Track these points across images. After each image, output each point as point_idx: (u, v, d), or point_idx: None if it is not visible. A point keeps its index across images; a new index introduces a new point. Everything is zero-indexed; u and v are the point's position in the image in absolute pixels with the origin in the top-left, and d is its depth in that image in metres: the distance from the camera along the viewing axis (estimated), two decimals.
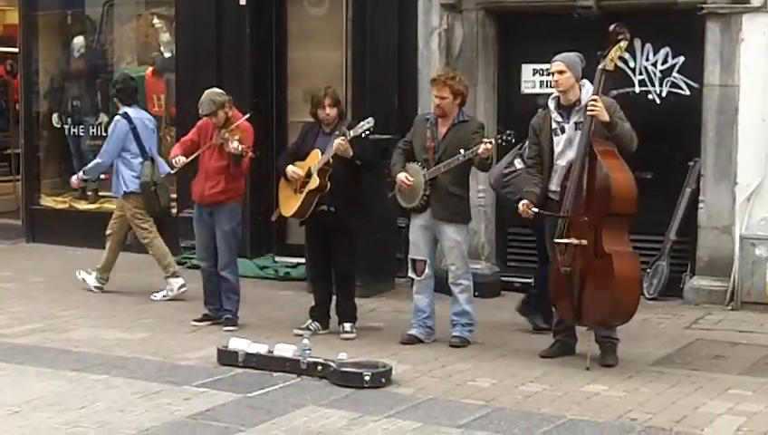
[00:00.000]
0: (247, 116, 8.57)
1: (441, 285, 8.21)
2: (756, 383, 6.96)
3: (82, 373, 7.16)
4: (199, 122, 8.62)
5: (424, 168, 7.92)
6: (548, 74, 7.69)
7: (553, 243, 7.34)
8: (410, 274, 8.15)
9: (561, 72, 7.32)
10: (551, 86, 7.68)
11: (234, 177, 8.47)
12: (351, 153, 7.96)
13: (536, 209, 7.33)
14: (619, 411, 6.35)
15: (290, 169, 8.25)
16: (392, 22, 10.37)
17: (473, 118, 8.26)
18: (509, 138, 7.68)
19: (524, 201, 7.39)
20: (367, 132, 7.99)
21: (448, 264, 8.01)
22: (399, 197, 8.10)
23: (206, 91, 8.51)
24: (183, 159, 8.52)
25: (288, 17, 11.26)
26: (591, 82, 7.36)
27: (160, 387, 6.82)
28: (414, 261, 8.07)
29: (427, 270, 8.02)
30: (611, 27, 7.36)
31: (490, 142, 7.59)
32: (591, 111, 7.12)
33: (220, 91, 8.53)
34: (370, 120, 8.02)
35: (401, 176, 7.95)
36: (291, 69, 11.27)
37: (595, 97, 7.15)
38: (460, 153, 7.71)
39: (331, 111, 8.21)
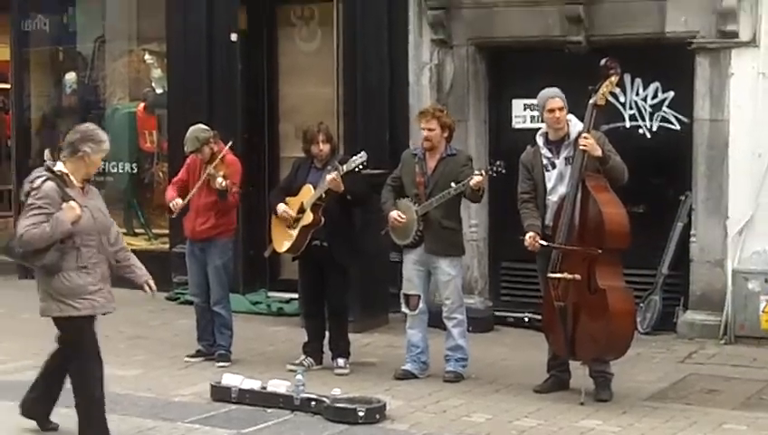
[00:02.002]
0: (229, 144, 8.55)
1: (434, 320, 8.21)
2: (750, 418, 6.96)
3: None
4: (188, 160, 8.66)
5: (415, 203, 7.94)
6: (537, 109, 7.72)
7: (547, 277, 7.36)
8: (403, 309, 8.15)
9: (561, 109, 7.37)
10: (541, 121, 7.72)
11: (223, 212, 8.48)
12: (342, 187, 7.98)
13: (544, 242, 7.31)
14: None
15: (281, 207, 8.26)
16: (383, 57, 10.42)
17: (461, 151, 8.30)
18: (499, 168, 7.71)
19: (531, 233, 7.37)
20: (360, 167, 8.01)
21: (443, 298, 8.01)
22: (393, 234, 8.12)
23: (190, 128, 8.55)
24: (180, 202, 8.52)
25: (279, 53, 11.33)
26: (579, 116, 7.42)
27: (154, 423, 6.79)
28: (407, 296, 8.07)
29: (420, 305, 8.02)
30: (603, 62, 7.41)
31: (481, 174, 7.62)
32: (583, 146, 7.16)
33: (204, 127, 8.56)
34: (363, 154, 8.04)
35: (393, 214, 7.96)
36: (282, 104, 11.33)
37: (586, 134, 7.19)
38: (451, 186, 7.73)
39: (325, 147, 8.25)
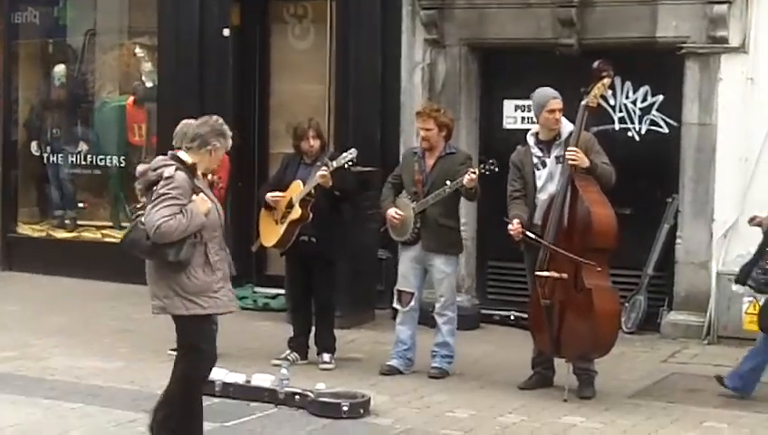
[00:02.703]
0: None
1: (422, 318, 8.23)
2: (731, 416, 6.99)
3: (57, 401, 7.09)
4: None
5: (413, 201, 7.96)
6: (533, 108, 7.75)
7: (534, 275, 7.38)
8: (395, 304, 8.16)
9: (560, 110, 7.40)
10: (535, 121, 7.75)
11: None
12: (331, 183, 7.99)
13: (530, 234, 7.31)
14: None
15: (270, 194, 8.26)
16: (375, 56, 10.44)
17: (460, 150, 8.32)
18: (492, 166, 7.75)
19: (516, 220, 7.38)
20: (349, 163, 8.03)
21: (437, 295, 8.03)
22: (391, 231, 8.15)
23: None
24: None
25: (272, 49, 11.32)
26: (569, 118, 7.45)
27: (136, 416, 6.73)
28: (400, 292, 8.08)
29: (412, 302, 8.03)
30: (595, 64, 7.44)
31: (474, 172, 7.64)
32: (572, 161, 7.17)
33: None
34: (353, 151, 8.06)
35: (390, 211, 7.99)
36: (273, 100, 11.32)
37: (574, 148, 7.20)
38: (446, 184, 7.76)
39: (315, 143, 8.26)
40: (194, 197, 5.67)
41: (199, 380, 5.97)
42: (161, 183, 5.62)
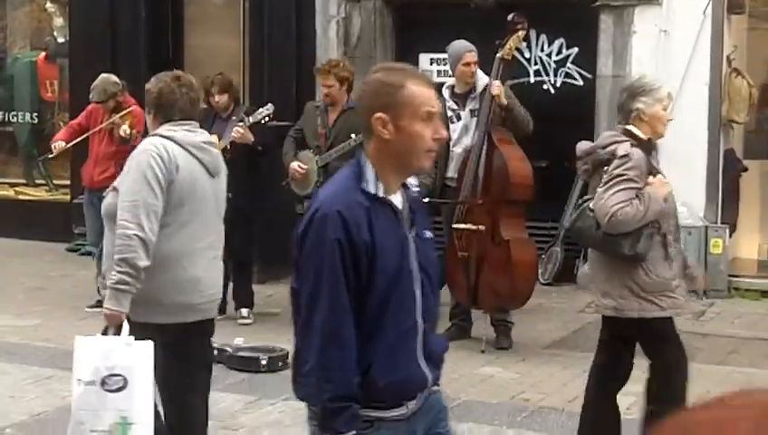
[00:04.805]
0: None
1: None
2: (645, 365, 7.07)
3: None
4: (89, 107, 8.51)
5: (317, 154, 7.93)
6: (448, 61, 7.76)
7: (451, 228, 7.42)
8: None
9: (476, 63, 7.42)
10: (451, 75, 7.75)
11: (124, 162, 8.32)
12: (252, 139, 7.91)
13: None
14: (512, 392, 6.46)
15: None
16: (290, 10, 10.34)
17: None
18: None
19: None
20: (266, 119, 7.96)
21: None
22: (293, 185, 8.09)
23: (100, 77, 8.39)
24: (62, 144, 8.48)
25: (185, 3, 11.16)
26: (485, 71, 7.47)
27: (52, 373, 6.70)
28: None
29: None
30: (510, 17, 7.48)
31: None
32: (496, 94, 7.20)
33: (115, 80, 8.39)
34: (270, 106, 8.00)
35: (294, 165, 7.94)
36: (188, 55, 11.17)
37: (497, 83, 7.25)
38: (351, 138, 7.73)
39: (221, 99, 8.16)
40: (650, 178, 4.98)
41: (679, 367, 5.37)
42: (615, 162, 4.93)
